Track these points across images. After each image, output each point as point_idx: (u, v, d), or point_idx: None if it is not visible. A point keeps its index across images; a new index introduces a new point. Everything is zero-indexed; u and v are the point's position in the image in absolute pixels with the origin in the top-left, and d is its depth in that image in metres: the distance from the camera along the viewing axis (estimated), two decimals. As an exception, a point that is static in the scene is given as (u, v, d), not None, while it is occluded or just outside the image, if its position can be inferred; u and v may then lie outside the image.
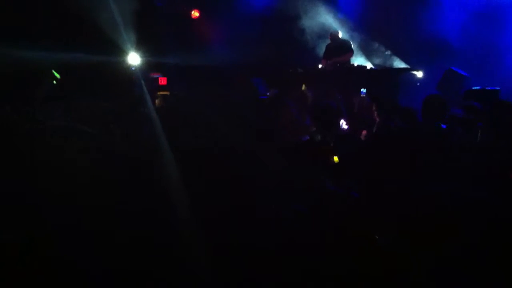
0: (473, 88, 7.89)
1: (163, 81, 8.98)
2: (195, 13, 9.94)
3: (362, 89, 8.07)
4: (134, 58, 9.24)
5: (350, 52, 9.23)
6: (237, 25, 9.82)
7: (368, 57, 9.77)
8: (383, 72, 9.06)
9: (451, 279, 3.34)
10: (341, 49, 9.21)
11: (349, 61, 9.23)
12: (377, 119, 6.28)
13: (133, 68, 9.18)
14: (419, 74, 8.89)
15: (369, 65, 9.46)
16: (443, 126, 5.24)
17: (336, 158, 4.43)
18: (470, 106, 6.45)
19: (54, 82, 7.61)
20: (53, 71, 7.63)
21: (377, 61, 9.71)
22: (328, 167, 4.29)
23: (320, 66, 9.29)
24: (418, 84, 8.97)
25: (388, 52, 9.93)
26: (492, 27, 9.33)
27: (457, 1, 9.69)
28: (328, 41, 9.55)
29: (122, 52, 9.19)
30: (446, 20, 9.56)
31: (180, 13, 9.99)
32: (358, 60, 9.76)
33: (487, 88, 7.74)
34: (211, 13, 10.10)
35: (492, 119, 5.30)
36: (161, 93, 8.36)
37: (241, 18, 9.92)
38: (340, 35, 9.51)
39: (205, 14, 10.09)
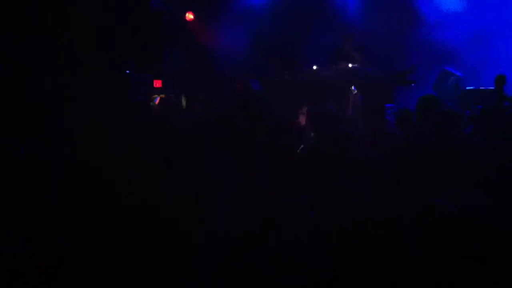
0: (468, 88, 7.91)
1: (157, 83, 8.98)
2: (190, 16, 9.94)
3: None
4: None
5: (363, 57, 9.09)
6: (233, 27, 9.84)
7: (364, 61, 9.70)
8: (379, 77, 9.01)
9: (451, 279, 3.33)
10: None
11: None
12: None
13: (128, 72, 9.19)
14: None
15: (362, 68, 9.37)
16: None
17: None
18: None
19: None
20: None
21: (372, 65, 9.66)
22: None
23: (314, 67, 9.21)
24: (412, 85, 8.96)
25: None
26: (490, 28, 9.38)
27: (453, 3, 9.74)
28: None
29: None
30: (441, 21, 9.61)
31: (176, 16, 10.00)
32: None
33: (481, 88, 7.76)
34: (206, 15, 10.11)
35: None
36: (158, 96, 8.37)
37: (236, 19, 9.95)
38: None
39: (200, 16, 10.09)
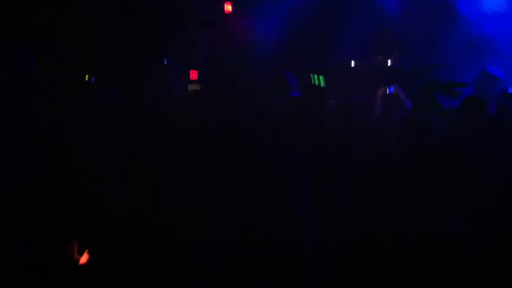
0: (510, 91, 7.74)
1: (194, 74, 8.96)
2: (228, 7, 9.89)
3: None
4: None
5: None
6: (269, 17, 9.78)
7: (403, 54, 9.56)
8: (415, 70, 8.90)
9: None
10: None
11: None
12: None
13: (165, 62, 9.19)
14: None
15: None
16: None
17: None
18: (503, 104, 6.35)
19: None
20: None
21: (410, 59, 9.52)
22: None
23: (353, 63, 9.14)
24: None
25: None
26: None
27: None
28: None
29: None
30: (487, 18, 9.41)
31: (213, 6, 9.96)
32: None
33: (524, 91, 7.61)
34: (245, 6, 10.05)
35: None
36: (193, 87, 8.37)
37: (272, 9, 9.88)
38: None
39: (238, 8, 10.04)
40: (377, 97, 7.18)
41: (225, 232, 3.68)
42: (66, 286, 3.24)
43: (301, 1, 10.12)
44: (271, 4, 10.03)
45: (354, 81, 8.51)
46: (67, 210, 3.48)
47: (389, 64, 8.62)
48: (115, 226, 3.53)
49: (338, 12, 10.14)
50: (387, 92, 7.18)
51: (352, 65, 8.89)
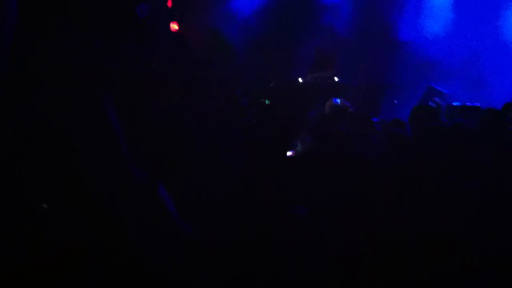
0: (454, 104, 7.88)
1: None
2: (174, 26, 9.83)
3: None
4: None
5: (334, 69, 9.20)
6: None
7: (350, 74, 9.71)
8: (365, 88, 9.05)
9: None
10: (325, 65, 9.19)
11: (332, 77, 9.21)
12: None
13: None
14: None
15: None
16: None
17: None
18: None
19: None
20: None
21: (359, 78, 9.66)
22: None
23: (300, 80, 9.26)
24: (396, 102, 8.95)
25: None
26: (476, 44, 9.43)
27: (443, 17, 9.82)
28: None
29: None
30: (429, 36, 9.65)
31: (161, 25, 9.87)
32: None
33: (467, 104, 7.74)
34: (192, 25, 10.02)
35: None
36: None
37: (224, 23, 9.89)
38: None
39: (185, 26, 9.99)
40: (325, 108, 7.20)
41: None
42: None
43: (253, 17, 10.20)
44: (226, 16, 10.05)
45: (304, 97, 8.56)
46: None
47: (336, 80, 8.78)
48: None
49: (290, 29, 10.19)
50: (333, 104, 7.21)
51: (300, 81, 8.98)
